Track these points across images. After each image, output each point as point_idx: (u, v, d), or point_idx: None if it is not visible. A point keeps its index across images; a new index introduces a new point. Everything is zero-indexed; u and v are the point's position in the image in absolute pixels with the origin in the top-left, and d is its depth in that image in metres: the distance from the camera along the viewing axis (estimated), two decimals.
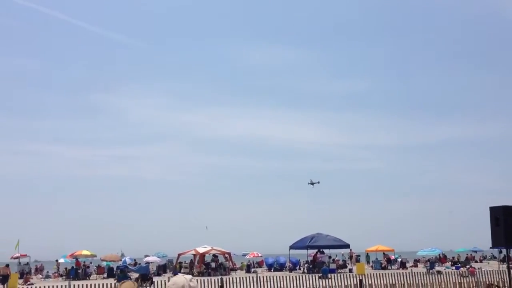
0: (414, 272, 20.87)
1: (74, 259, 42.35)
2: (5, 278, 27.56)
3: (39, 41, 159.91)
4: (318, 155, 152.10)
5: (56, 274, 41.16)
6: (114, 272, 35.45)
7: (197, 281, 17.14)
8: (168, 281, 4.27)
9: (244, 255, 53.68)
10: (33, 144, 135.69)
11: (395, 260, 43.27)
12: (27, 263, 43.97)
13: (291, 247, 39.51)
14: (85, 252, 44.20)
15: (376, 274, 20.08)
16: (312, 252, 38.81)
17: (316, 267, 35.45)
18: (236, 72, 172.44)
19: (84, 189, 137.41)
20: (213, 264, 37.66)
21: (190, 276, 3.26)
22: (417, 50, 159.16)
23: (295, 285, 18.16)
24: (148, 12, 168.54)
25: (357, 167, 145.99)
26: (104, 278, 35.70)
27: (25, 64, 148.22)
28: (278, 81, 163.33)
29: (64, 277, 38.06)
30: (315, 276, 24.06)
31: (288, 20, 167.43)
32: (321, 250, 38.22)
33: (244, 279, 18.37)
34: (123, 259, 44.66)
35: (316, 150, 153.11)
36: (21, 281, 31.67)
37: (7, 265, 31.99)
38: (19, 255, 41.82)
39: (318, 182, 63.47)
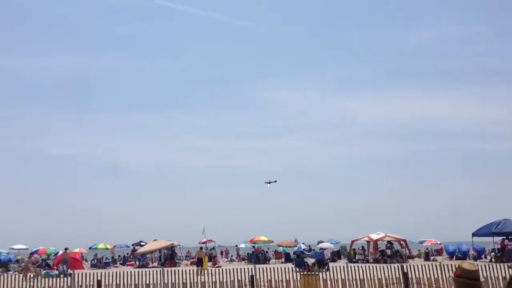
0: None
1: (253, 245, 45.32)
2: (200, 261, 30.95)
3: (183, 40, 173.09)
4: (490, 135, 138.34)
5: (239, 257, 44.54)
6: (291, 257, 36.94)
7: (374, 268, 16.72)
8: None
9: (421, 242, 51.43)
10: (203, 138, 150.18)
11: None
12: (213, 248, 48.44)
13: (474, 234, 36.56)
14: (262, 238, 46.93)
15: None
16: (499, 239, 35.45)
17: (505, 255, 32.32)
18: (394, 53, 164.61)
19: (248, 179, 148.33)
20: (388, 251, 36.82)
21: (476, 262, 3.31)
22: None
23: (484, 274, 16.75)
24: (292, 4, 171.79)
25: None
26: (282, 262, 37.46)
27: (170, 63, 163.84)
28: (428, 59, 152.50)
29: (246, 260, 40.95)
30: (505, 265, 21.90)
31: None
32: (509, 237, 34.69)
33: (427, 266, 17.54)
34: (298, 245, 46.36)
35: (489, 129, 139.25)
36: (209, 263, 35.08)
37: (201, 248, 35.63)
38: (205, 240, 46.26)
39: (275, 181, 59.58)
